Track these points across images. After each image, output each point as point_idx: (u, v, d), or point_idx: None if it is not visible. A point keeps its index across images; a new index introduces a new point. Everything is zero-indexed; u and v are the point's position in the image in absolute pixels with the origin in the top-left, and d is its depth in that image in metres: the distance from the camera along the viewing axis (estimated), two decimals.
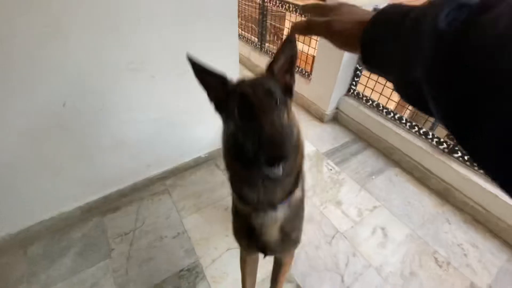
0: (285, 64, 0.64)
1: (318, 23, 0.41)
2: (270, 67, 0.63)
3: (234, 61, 1.70)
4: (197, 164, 2.04)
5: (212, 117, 1.87)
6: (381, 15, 0.33)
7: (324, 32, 0.41)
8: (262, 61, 3.23)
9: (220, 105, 0.65)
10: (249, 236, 0.78)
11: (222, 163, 2.05)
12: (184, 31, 1.39)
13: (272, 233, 0.75)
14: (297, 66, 2.80)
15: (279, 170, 0.50)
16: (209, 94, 0.66)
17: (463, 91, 0.22)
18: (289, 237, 0.80)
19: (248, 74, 3.35)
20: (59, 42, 1.12)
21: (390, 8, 0.33)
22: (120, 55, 1.28)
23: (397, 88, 0.32)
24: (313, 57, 2.72)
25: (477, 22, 0.22)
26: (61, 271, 1.43)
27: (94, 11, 1.13)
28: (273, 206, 0.68)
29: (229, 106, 0.59)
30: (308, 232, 1.65)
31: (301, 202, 0.80)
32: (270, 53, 3.18)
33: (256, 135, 0.50)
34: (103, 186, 1.71)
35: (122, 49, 1.27)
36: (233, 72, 1.75)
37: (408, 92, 0.31)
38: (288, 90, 0.65)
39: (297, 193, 0.72)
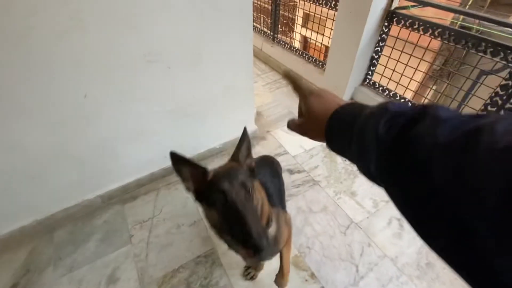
0: (245, 151, 0.84)
1: (294, 128, 0.52)
2: (235, 157, 0.83)
3: (248, 52, 1.69)
4: (211, 154, 2.07)
5: (226, 108, 1.90)
6: (337, 114, 0.40)
7: (300, 133, 0.51)
8: (274, 52, 3.20)
9: (200, 196, 0.78)
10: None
11: None
12: (199, 22, 1.39)
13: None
14: (310, 56, 2.76)
15: (264, 247, 0.66)
16: (186, 184, 0.79)
17: (403, 187, 0.28)
18: (277, 249, 1.04)
19: (262, 66, 3.33)
20: (79, 35, 1.15)
21: (345, 108, 0.40)
22: (137, 47, 1.30)
23: (357, 168, 0.38)
24: (326, 47, 2.67)
25: (408, 134, 0.27)
26: (86, 255, 1.51)
27: (111, 3, 1.14)
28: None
29: (211, 198, 0.73)
30: (322, 222, 1.65)
31: (278, 227, 0.98)
32: (283, 43, 3.14)
33: (241, 229, 0.67)
34: (123, 175, 1.77)
35: (139, 41, 1.29)
36: (247, 64, 1.74)
37: (367, 176, 0.36)
38: (252, 171, 0.85)
39: (271, 230, 0.92)
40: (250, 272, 1.40)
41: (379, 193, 1.82)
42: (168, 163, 1.87)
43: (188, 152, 1.92)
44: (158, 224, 1.66)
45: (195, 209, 1.73)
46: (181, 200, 1.78)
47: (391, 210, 1.71)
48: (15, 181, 1.39)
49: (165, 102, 1.59)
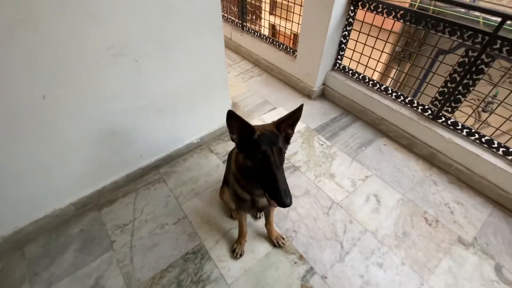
0: (291, 122, 0.99)
1: None
2: (279, 124, 0.97)
3: (219, 40, 1.65)
4: (189, 150, 2.02)
5: (200, 101, 1.85)
6: None
7: None
8: (244, 41, 3.15)
9: (242, 147, 0.95)
10: (251, 206, 1.17)
11: (215, 147, 2.05)
12: (164, 10, 1.32)
13: (265, 202, 1.10)
14: (281, 44, 2.76)
15: (289, 204, 0.86)
16: (232, 136, 0.95)
17: None
18: None
19: (233, 56, 3.27)
20: (30, 28, 1.03)
21: None
22: (99, 40, 1.20)
23: None
24: (295, 34, 2.68)
25: None
26: (64, 268, 1.42)
27: None
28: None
29: (252, 154, 0.91)
30: (305, 205, 1.70)
31: None
32: (252, 32, 3.09)
33: (273, 185, 0.87)
34: (96, 180, 1.67)
35: (100, 33, 1.19)
36: (219, 53, 1.70)
37: None
38: (287, 139, 1.02)
39: None
40: (237, 251, 1.45)
41: (355, 173, 1.90)
42: (144, 162, 1.81)
43: (165, 148, 1.86)
44: (140, 226, 1.60)
45: (178, 207, 1.68)
46: (162, 200, 1.73)
47: (368, 188, 1.81)
48: None
49: (136, 98, 1.50)
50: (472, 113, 1.91)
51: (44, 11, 1.03)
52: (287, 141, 1.01)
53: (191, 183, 1.82)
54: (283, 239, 1.51)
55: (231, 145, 2.08)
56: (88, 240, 1.54)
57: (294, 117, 0.98)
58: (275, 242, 1.49)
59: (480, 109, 2.59)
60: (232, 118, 0.89)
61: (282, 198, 0.84)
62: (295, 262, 1.44)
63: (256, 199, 1.13)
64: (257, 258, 1.46)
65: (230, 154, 1.34)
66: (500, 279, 1.37)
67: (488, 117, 1.89)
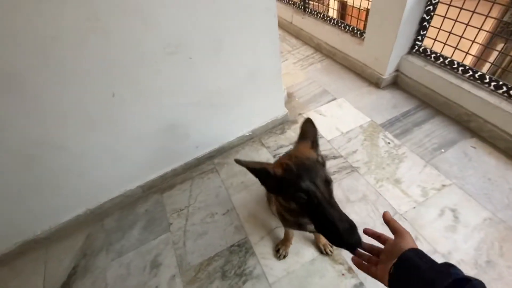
0: (313, 140, 0.84)
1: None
2: (313, 143, 0.83)
3: (273, 31, 1.54)
4: (241, 142, 2.03)
5: (252, 95, 1.81)
6: (402, 262, 0.54)
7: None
8: (306, 24, 2.92)
9: (275, 190, 0.80)
10: (298, 228, 1.05)
11: (267, 141, 2.01)
12: (216, 6, 1.29)
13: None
14: (347, 25, 2.46)
15: (357, 243, 0.66)
16: (263, 183, 0.81)
17: None
18: None
19: (293, 41, 3.10)
20: (99, 35, 1.14)
21: (409, 258, 0.55)
22: (155, 40, 1.26)
23: None
24: (367, 10, 2.33)
25: None
26: (131, 242, 1.64)
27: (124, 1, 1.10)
28: None
29: (290, 194, 0.74)
30: (361, 213, 1.53)
31: None
32: (315, 13, 2.83)
33: (331, 229, 0.67)
34: (159, 166, 1.85)
35: (155, 34, 1.25)
36: (273, 43, 1.60)
37: None
38: (323, 162, 0.80)
39: None
40: (281, 252, 1.42)
41: (428, 180, 1.61)
42: (200, 152, 1.90)
43: (217, 141, 1.92)
44: (193, 212, 1.72)
45: (228, 198, 1.74)
46: (214, 189, 1.81)
47: (444, 199, 1.51)
48: (66, 179, 1.53)
49: (191, 93, 1.56)
50: None
51: (109, 19, 1.12)
52: (324, 165, 0.80)
53: (241, 176, 1.84)
54: (332, 247, 1.40)
55: (283, 139, 2.00)
56: (151, 220, 1.74)
57: (307, 135, 0.84)
58: (322, 249, 1.40)
59: None
60: (241, 164, 0.76)
61: (346, 241, 0.65)
62: (343, 274, 1.33)
63: (305, 224, 0.98)
64: (302, 262, 1.40)
65: None
66: None
67: None
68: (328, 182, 0.73)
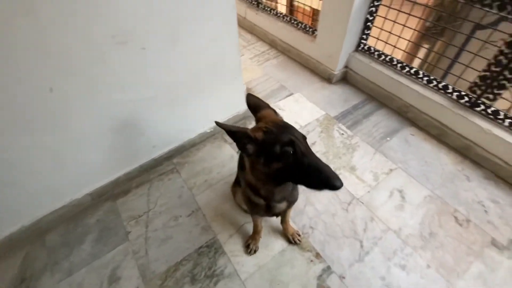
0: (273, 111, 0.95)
1: None
2: (270, 113, 0.92)
3: (231, 22, 1.51)
4: (202, 140, 1.96)
5: (212, 89, 1.75)
6: None
7: None
8: (260, 20, 2.94)
9: (253, 154, 0.81)
10: (266, 211, 1.07)
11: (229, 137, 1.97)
12: None
13: (282, 206, 1.08)
14: (299, 22, 2.55)
15: (342, 184, 0.74)
16: (242, 148, 0.81)
17: None
18: (292, 203, 1.16)
19: (247, 37, 3.09)
20: (29, 18, 0.96)
21: None
22: (102, 27, 1.12)
23: None
24: (314, 10, 2.46)
25: None
26: (82, 257, 1.45)
27: None
28: (284, 199, 1.05)
29: (273, 154, 0.76)
30: (323, 200, 1.61)
31: None
32: (269, 9, 2.88)
33: (318, 174, 0.74)
34: (110, 170, 1.66)
35: (103, 19, 1.10)
36: (232, 35, 1.57)
37: None
38: None
39: None
40: (251, 247, 1.41)
41: (378, 166, 1.77)
42: (157, 152, 1.77)
43: (176, 139, 1.82)
44: (154, 217, 1.59)
45: (192, 199, 1.66)
46: (175, 191, 1.70)
47: (392, 182, 1.68)
48: None
49: (146, 87, 1.43)
50: None
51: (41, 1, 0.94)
52: None
53: (204, 174, 1.77)
54: (299, 236, 1.45)
55: None
56: (105, 230, 1.56)
57: (260, 105, 0.93)
58: (291, 239, 1.43)
59: None
60: (222, 128, 0.77)
61: (333, 182, 0.72)
62: (311, 260, 1.39)
63: (273, 205, 1.03)
64: (272, 254, 1.42)
65: (240, 154, 1.22)
66: None
67: None
68: (304, 137, 0.81)
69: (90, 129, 1.39)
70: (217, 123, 0.78)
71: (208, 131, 1.93)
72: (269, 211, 1.07)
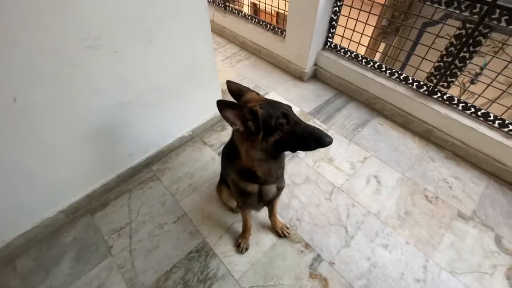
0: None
1: None
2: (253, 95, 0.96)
3: (204, 23, 1.51)
4: (181, 144, 1.92)
5: (188, 91, 1.73)
6: None
7: None
8: (228, 23, 2.96)
9: (255, 130, 0.83)
10: (258, 200, 1.10)
11: (209, 139, 1.96)
12: None
13: (274, 190, 1.11)
14: (268, 24, 2.61)
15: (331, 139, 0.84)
16: (234, 127, 0.82)
17: None
18: (280, 189, 1.17)
19: (218, 40, 3.09)
20: None
21: None
22: (69, 31, 1.06)
23: None
24: (277, 12, 2.54)
25: None
26: (61, 279, 1.34)
27: None
28: (278, 179, 1.08)
29: (272, 127, 0.82)
30: (307, 192, 1.67)
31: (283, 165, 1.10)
32: (236, 12, 2.91)
33: (312, 136, 0.83)
34: (84, 183, 1.56)
35: (70, 22, 1.04)
36: (205, 36, 1.57)
37: None
38: None
39: None
40: (242, 245, 1.42)
41: (354, 155, 1.88)
42: (135, 160, 1.70)
43: (154, 145, 1.76)
44: (138, 228, 1.53)
45: (176, 205, 1.61)
46: (158, 199, 1.65)
47: (367, 169, 1.79)
48: None
49: (119, 92, 1.37)
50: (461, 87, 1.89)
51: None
52: None
53: (187, 179, 1.74)
54: (288, 228, 1.48)
55: (225, 135, 1.99)
56: (84, 247, 1.46)
57: (241, 89, 0.96)
58: (280, 233, 1.46)
59: (466, 80, 2.59)
60: (225, 107, 0.77)
61: (325, 139, 0.82)
62: (302, 251, 1.43)
63: (264, 191, 1.05)
64: (263, 250, 1.44)
65: (223, 152, 1.23)
66: (501, 249, 1.42)
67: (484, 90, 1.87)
68: (290, 107, 0.88)
69: (60, 139, 1.29)
70: (219, 101, 0.76)
71: (187, 134, 1.89)
72: (261, 200, 1.09)
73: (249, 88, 0.97)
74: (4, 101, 1.03)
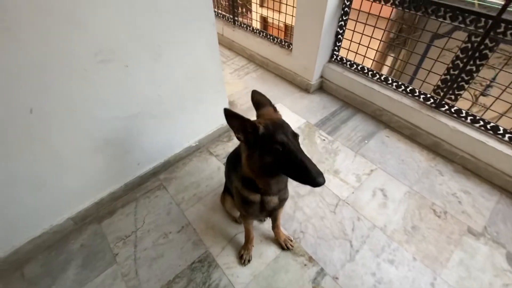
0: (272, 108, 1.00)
1: None
2: (269, 110, 0.98)
3: (212, 37, 1.57)
4: (188, 154, 1.95)
5: (196, 103, 1.78)
6: None
7: None
8: (237, 36, 3.05)
9: (252, 144, 0.87)
10: (260, 210, 1.11)
11: (215, 149, 1.99)
12: (152, 9, 1.24)
13: (275, 201, 1.10)
14: (275, 37, 2.67)
15: (324, 181, 0.82)
16: (237, 135, 0.87)
17: None
18: (283, 201, 1.17)
19: (226, 53, 3.18)
20: (4, 36, 0.95)
21: None
22: (84, 47, 1.12)
23: None
24: (286, 25, 2.60)
25: None
26: (67, 286, 1.37)
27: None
28: (280, 191, 1.09)
29: (267, 148, 0.83)
30: (311, 204, 1.66)
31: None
32: (245, 26, 3.00)
33: (303, 171, 0.81)
34: (93, 192, 1.61)
35: (85, 39, 1.11)
36: (213, 49, 1.62)
37: None
38: None
39: None
40: (244, 257, 1.41)
41: (360, 167, 1.86)
42: (142, 169, 1.75)
43: (161, 155, 1.80)
44: (143, 236, 1.55)
45: (181, 214, 1.63)
46: (163, 208, 1.67)
47: (374, 182, 1.77)
48: None
49: (129, 105, 1.43)
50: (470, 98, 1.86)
51: (19, 17, 0.94)
52: None
53: (193, 188, 1.76)
54: (291, 241, 1.47)
55: (231, 146, 2.02)
56: (90, 255, 1.49)
57: (263, 102, 0.98)
58: (283, 245, 1.45)
59: (477, 93, 2.55)
60: (230, 116, 0.82)
61: (316, 179, 0.79)
62: (305, 264, 1.41)
63: (266, 201, 1.06)
64: (266, 262, 1.42)
65: (228, 160, 1.27)
66: None
67: (493, 102, 1.85)
68: (295, 136, 0.87)
69: (71, 149, 1.35)
70: (226, 110, 0.80)
71: (194, 145, 1.93)
72: (263, 209, 1.09)
73: (269, 102, 1.01)
74: (21, 112, 1.10)
